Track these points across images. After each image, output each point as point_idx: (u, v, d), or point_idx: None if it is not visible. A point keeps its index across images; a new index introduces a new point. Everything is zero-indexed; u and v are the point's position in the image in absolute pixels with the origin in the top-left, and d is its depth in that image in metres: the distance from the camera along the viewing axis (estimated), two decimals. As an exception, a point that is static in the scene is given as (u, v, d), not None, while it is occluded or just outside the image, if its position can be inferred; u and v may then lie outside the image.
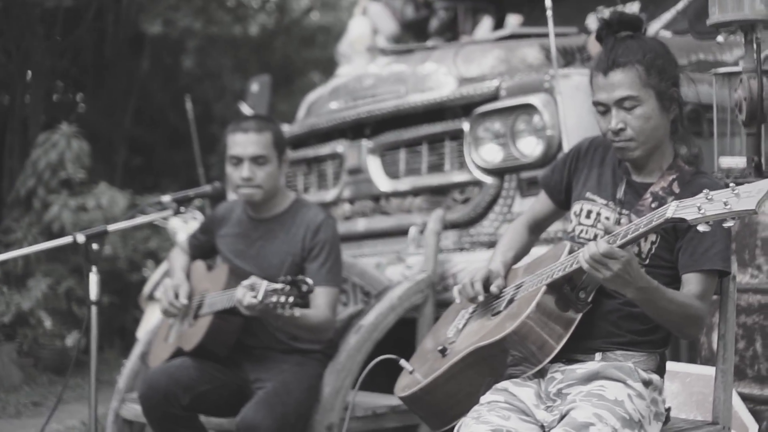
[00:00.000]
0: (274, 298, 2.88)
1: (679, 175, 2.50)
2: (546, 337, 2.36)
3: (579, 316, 2.40)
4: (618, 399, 2.31)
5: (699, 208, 2.06)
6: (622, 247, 2.24)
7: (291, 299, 2.88)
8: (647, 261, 2.46)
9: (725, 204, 2.02)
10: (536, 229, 2.86)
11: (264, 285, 2.91)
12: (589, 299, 2.42)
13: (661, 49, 2.52)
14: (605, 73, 2.48)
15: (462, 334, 2.62)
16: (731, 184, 2.06)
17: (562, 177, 2.73)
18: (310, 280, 2.91)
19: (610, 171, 2.61)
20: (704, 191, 2.07)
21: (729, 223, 2.05)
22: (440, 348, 2.59)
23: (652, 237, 2.43)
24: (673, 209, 2.14)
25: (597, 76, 2.50)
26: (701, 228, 2.07)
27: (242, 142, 3.43)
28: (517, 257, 2.78)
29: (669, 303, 2.35)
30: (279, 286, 2.88)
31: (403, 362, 2.67)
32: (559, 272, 2.40)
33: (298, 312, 2.95)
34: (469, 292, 2.60)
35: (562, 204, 2.76)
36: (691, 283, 2.41)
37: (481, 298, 2.58)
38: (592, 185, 2.62)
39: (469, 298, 2.62)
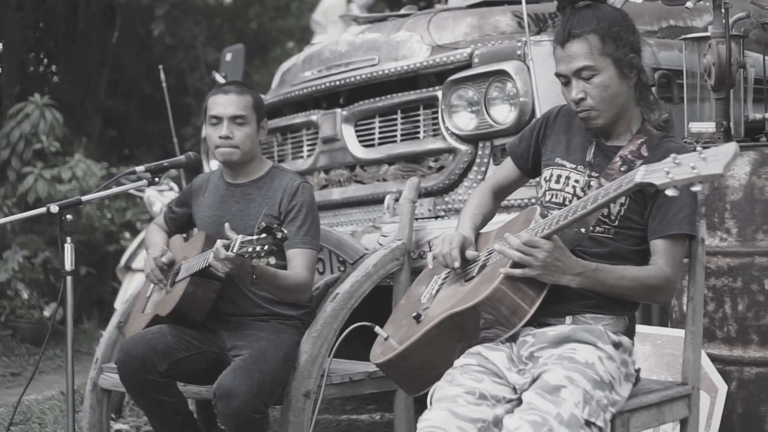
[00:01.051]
0: (249, 248, 2.89)
1: (647, 139, 2.53)
2: (519, 302, 2.39)
3: None
4: (589, 361, 2.34)
5: (667, 173, 2.08)
6: (579, 220, 2.28)
7: (266, 247, 2.88)
8: (616, 223, 2.50)
9: (693, 168, 2.04)
10: (499, 195, 2.89)
11: (239, 237, 2.93)
12: None
13: (617, 16, 2.53)
14: (562, 45, 2.51)
15: (435, 300, 2.64)
16: (698, 148, 2.09)
17: (529, 145, 2.76)
18: (284, 229, 2.92)
19: (580, 136, 2.63)
20: (672, 156, 2.10)
21: (697, 187, 2.07)
22: (414, 314, 2.61)
23: (621, 199, 2.45)
24: (641, 174, 2.17)
25: (556, 48, 2.54)
26: (669, 192, 2.09)
27: (222, 102, 3.51)
28: (484, 222, 2.81)
29: (619, 280, 2.40)
30: (254, 237, 2.89)
31: (377, 329, 2.70)
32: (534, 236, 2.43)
33: (273, 260, 2.95)
34: (447, 260, 2.62)
35: (528, 171, 2.80)
36: (659, 249, 2.46)
37: (457, 264, 2.61)
38: (561, 151, 2.65)
39: (445, 265, 2.65)
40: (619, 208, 2.49)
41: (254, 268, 3.09)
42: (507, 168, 2.86)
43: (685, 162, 2.06)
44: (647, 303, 2.51)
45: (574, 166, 2.59)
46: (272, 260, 2.95)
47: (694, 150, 2.09)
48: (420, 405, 2.55)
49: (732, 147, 2.03)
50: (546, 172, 2.65)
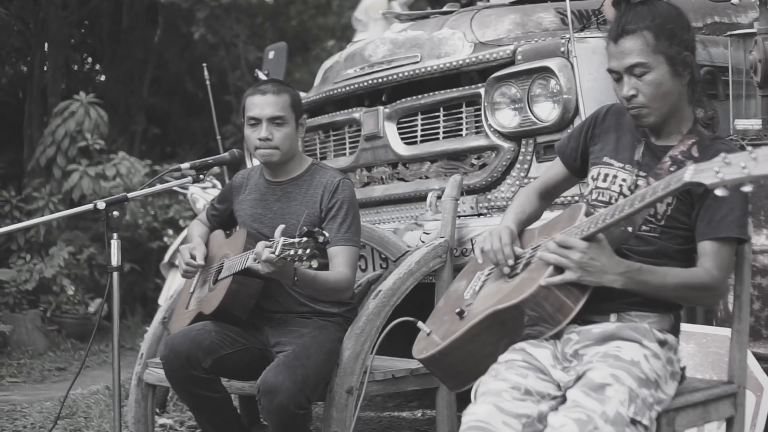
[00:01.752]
0: (291, 251, 2.89)
1: (698, 140, 2.49)
2: (564, 299, 2.37)
3: None
4: (634, 359, 2.32)
5: (717, 172, 2.05)
6: (626, 219, 2.25)
7: (308, 251, 2.88)
8: (663, 222, 2.47)
9: (743, 168, 2.00)
10: (547, 196, 2.86)
11: (281, 240, 2.94)
12: None
13: (672, 13, 2.50)
14: (615, 41, 2.48)
15: (479, 296, 2.63)
16: (749, 148, 2.05)
17: (578, 144, 2.74)
18: (326, 232, 2.92)
19: (629, 135, 2.60)
20: (721, 155, 2.05)
21: (747, 188, 2.03)
22: (458, 310, 2.60)
23: (668, 198, 2.42)
24: (691, 173, 2.13)
25: (609, 44, 2.51)
26: (719, 192, 2.05)
27: (260, 104, 3.48)
28: (529, 220, 2.78)
29: (664, 282, 2.37)
30: (296, 239, 2.90)
31: (420, 324, 2.69)
32: (575, 236, 2.41)
33: (315, 264, 2.96)
34: (499, 257, 2.59)
35: (576, 171, 2.77)
36: (707, 252, 2.42)
37: (511, 262, 2.58)
38: (609, 150, 2.62)
39: (495, 262, 2.63)
40: (666, 208, 2.46)
41: (296, 270, 3.10)
42: (555, 168, 2.83)
43: (735, 161, 2.03)
44: (692, 305, 2.47)
45: (622, 165, 2.56)
46: (314, 264, 2.96)
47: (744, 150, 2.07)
48: (462, 402, 2.55)
49: None
50: (593, 171, 2.63)
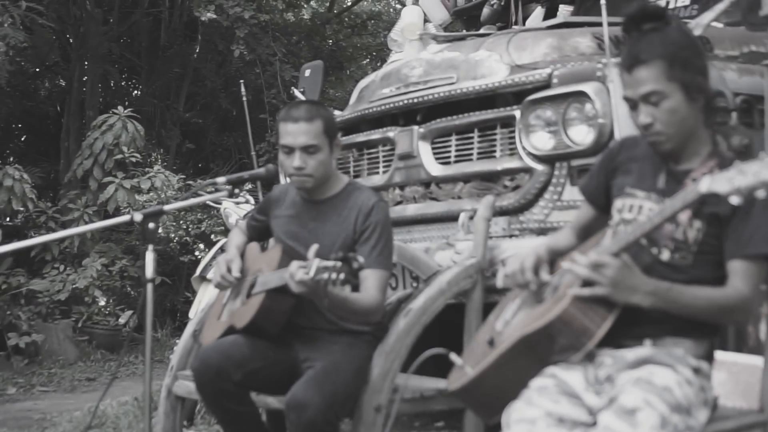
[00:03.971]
0: (325, 275, 2.92)
1: (719, 161, 2.48)
2: (587, 324, 2.37)
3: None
4: (667, 385, 2.31)
5: (730, 180, 2.08)
6: (644, 235, 2.25)
7: (342, 276, 2.91)
8: (694, 248, 2.46)
9: (756, 173, 2.04)
10: (583, 236, 2.84)
11: (316, 262, 2.95)
12: None
13: (684, 41, 2.50)
14: (629, 70, 2.48)
15: (510, 325, 2.63)
16: (761, 154, 2.08)
17: (599, 181, 2.74)
18: (361, 258, 2.94)
19: (649, 163, 2.60)
20: (736, 163, 2.09)
21: (761, 193, 2.05)
22: (488, 340, 2.61)
23: (698, 224, 2.43)
24: (706, 184, 2.15)
25: (623, 73, 2.51)
26: (734, 201, 2.08)
27: (293, 132, 3.44)
28: (561, 253, 2.79)
29: (693, 299, 2.37)
30: (330, 263, 2.92)
31: (453, 356, 2.70)
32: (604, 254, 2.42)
33: (348, 289, 2.98)
34: (519, 278, 2.62)
35: (603, 208, 2.76)
36: (736, 270, 2.41)
37: (530, 278, 2.60)
38: (631, 181, 2.61)
39: (517, 284, 2.65)
40: (696, 233, 2.45)
41: (328, 293, 3.11)
42: (584, 209, 2.84)
43: (748, 169, 2.06)
44: (722, 324, 2.46)
45: (645, 194, 2.55)
46: (347, 289, 2.98)
47: None
48: (489, 427, 2.54)
49: None
50: (618, 203, 2.62)
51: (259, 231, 3.83)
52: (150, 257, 3.25)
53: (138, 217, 3.26)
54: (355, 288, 3.37)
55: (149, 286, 3.25)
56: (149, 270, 3.25)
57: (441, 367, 2.83)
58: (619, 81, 3.66)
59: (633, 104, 2.51)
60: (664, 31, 2.49)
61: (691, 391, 2.36)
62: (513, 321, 2.64)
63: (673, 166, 2.55)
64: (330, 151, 3.51)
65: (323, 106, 3.62)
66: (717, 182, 2.12)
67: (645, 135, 2.51)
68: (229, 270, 3.60)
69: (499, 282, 2.72)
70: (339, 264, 2.90)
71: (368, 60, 14.34)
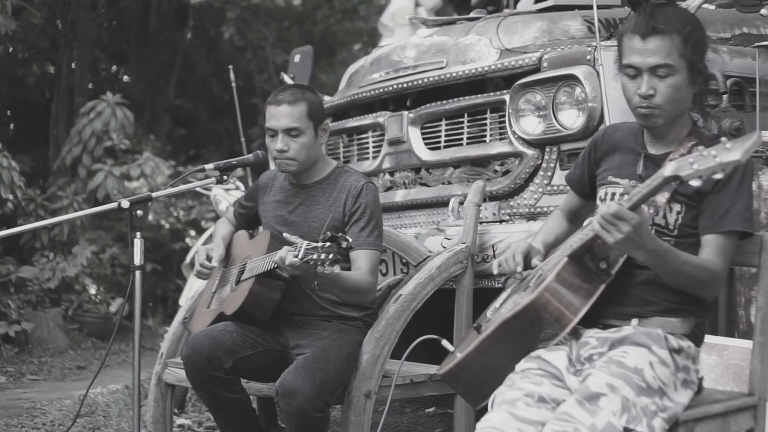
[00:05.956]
0: (314, 255, 2.91)
1: (698, 141, 2.51)
2: (563, 309, 2.40)
3: (602, 287, 2.44)
4: (638, 366, 2.33)
5: (691, 164, 2.10)
6: (631, 209, 2.26)
7: (331, 256, 2.90)
8: (675, 232, 2.49)
9: (714, 157, 2.06)
10: (574, 219, 2.90)
11: (304, 243, 2.95)
12: (612, 270, 2.45)
13: (697, 23, 2.53)
14: (643, 37, 2.47)
15: (498, 312, 2.67)
16: (723, 139, 2.13)
17: (583, 171, 2.79)
18: (349, 237, 2.94)
19: (628, 151, 2.63)
20: (698, 148, 2.11)
21: (718, 175, 2.08)
22: (476, 326, 2.65)
23: (677, 207, 2.46)
24: (669, 168, 2.17)
25: (633, 39, 2.49)
26: (694, 183, 2.11)
27: (276, 115, 3.46)
28: (557, 241, 2.80)
29: (682, 265, 2.38)
30: (319, 244, 2.92)
31: (444, 342, 2.72)
32: (578, 242, 2.45)
33: (337, 269, 2.97)
34: (510, 266, 2.65)
35: (588, 196, 2.81)
36: (709, 244, 2.44)
37: (519, 269, 2.62)
38: (613, 169, 2.65)
39: (508, 272, 2.67)
40: (676, 217, 2.49)
41: (318, 275, 3.10)
42: (570, 197, 2.91)
43: (709, 153, 2.08)
44: (694, 295, 2.47)
45: (627, 182, 2.59)
46: (336, 268, 2.97)
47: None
48: (480, 413, 2.55)
49: (754, 134, 2.05)
50: (601, 192, 2.66)
51: (247, 218, 3.82)
52: (138, 244, 3.24)
53: (125, 203, 3.25)
54: (347, 270, 3.37)
55: (137, 274, 3.24)
56: (137, 257, 3.24)
57: (435, 354, 2.83)
58: (610, 64, 3.66)
59: (635, 73, 2.50)
60: (679, 8, 2.53)
61: (666, 371, 2.38)
62: (502, 308, 2.67)
63: (652, 151, 2.58)
64: (315, 135, 3.51)
65: (310, 90, 3.61)
66: (679, 167, 2.14)
67: (639, 106, 2.49)
68: (208, 258, 3.60)
69: (495, 270, 2.74)
70: (327, 245, 2.90)
71: (360, 45, 14.30)
